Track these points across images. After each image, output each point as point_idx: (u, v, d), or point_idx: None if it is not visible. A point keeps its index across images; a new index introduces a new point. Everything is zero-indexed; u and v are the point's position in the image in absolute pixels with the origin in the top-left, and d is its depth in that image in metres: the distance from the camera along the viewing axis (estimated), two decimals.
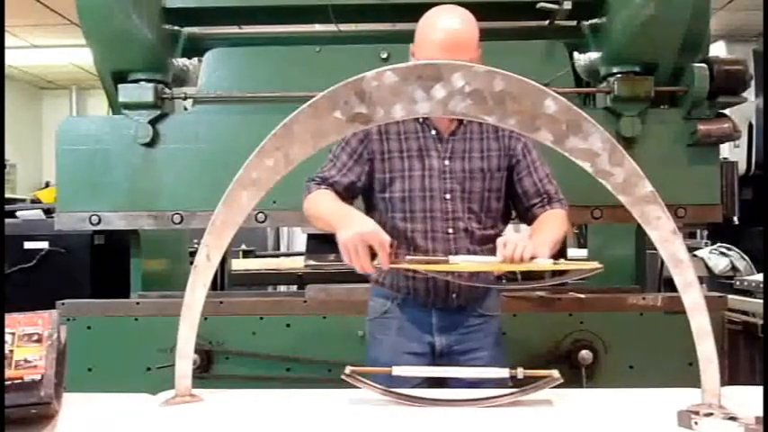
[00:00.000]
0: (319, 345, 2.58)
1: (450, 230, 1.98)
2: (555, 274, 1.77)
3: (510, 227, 2.19)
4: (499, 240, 1.72)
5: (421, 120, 1.98)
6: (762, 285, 3.47)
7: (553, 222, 1.96)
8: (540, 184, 2.04)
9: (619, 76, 2.72)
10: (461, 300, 2.01)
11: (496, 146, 2.02)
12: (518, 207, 2.09)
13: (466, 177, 1.99)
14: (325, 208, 1.93)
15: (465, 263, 1.76)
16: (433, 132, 2.00)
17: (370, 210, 2.06)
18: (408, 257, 1.81)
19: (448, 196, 1.98)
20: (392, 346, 2.00)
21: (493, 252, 1.75)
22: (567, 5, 2.77)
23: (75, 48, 7.97)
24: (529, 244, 1.70)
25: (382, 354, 2.00)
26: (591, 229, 3.53)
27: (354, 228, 1.73)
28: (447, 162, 1.99)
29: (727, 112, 2.79)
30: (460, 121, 1.99)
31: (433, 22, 1.92)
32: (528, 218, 2.06)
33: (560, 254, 2.00)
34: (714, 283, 3.96)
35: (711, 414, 1.23)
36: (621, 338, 2.58)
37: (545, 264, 1.68)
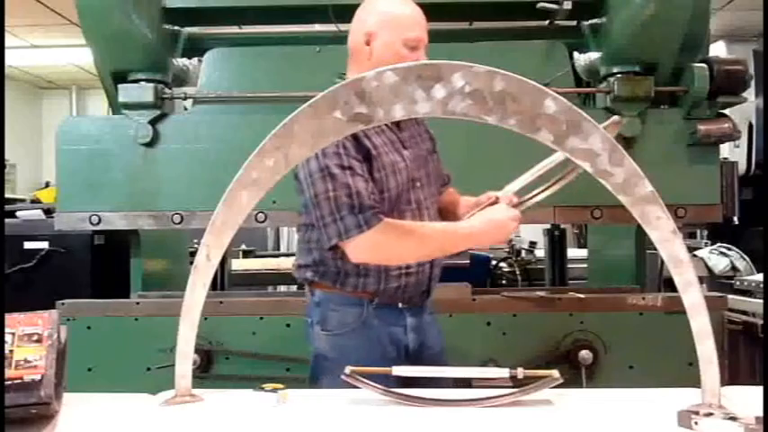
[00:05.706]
0: None
1: (434, 218, 1.97)
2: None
3: None
4: (482, 197, 1.88)
5: None
6: (762, 285, 3.47)
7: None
8: (440, 166, 2.12)
9: (619, 76, 2.72)
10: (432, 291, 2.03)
11: (423, 129, 2.06)
12: None
13: (427, 162, 2.01)
14: (430, 236, 1.84)
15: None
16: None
17: None
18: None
19: (418, 184, 1.95)
20: (370, 357, 1.79)
21: None
22: (567, 5, 2.77)
23: (76, 48, 7.98)
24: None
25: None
26: (591, 229, 3.53)
27: (494, 222, 1.81)
28: (411, 150, 1.96)
29: (727, 112, 2.79)
30: None
31: (394, 3, 1.90)
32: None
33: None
34: (714, 283, 3.96)
35: (711, 414, 1.23)
36: (621, 338, 2.58)
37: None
